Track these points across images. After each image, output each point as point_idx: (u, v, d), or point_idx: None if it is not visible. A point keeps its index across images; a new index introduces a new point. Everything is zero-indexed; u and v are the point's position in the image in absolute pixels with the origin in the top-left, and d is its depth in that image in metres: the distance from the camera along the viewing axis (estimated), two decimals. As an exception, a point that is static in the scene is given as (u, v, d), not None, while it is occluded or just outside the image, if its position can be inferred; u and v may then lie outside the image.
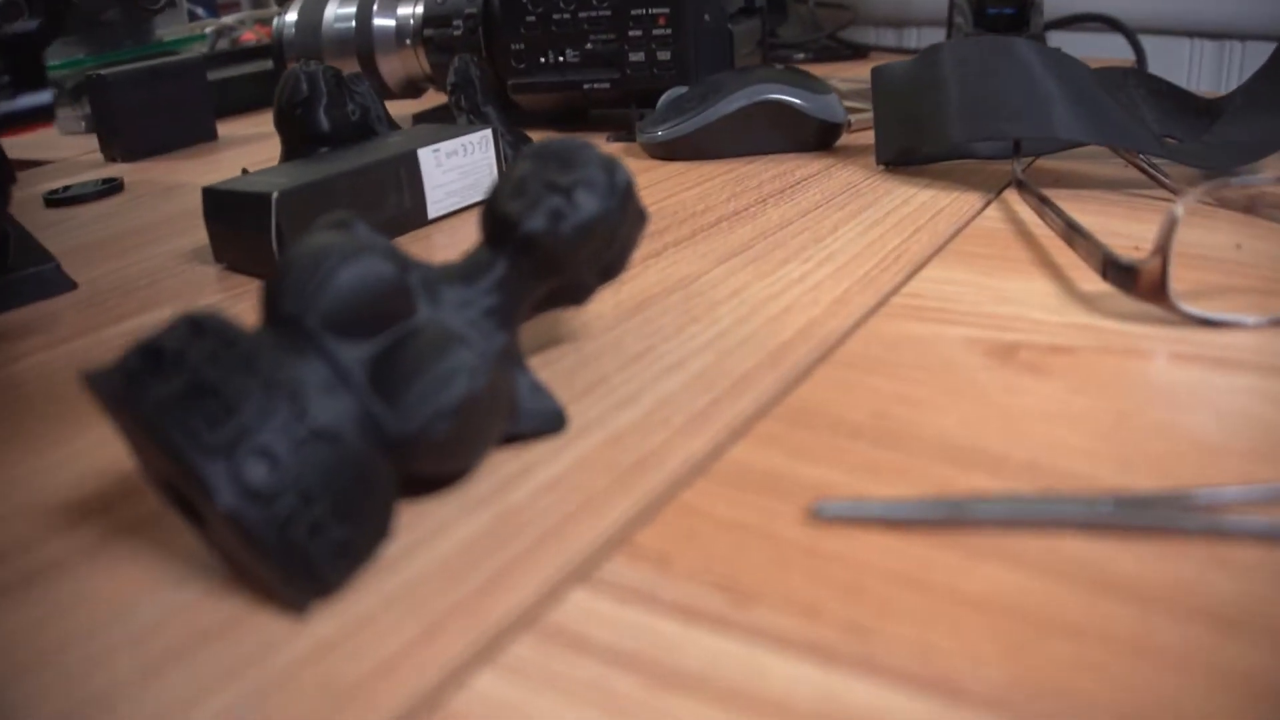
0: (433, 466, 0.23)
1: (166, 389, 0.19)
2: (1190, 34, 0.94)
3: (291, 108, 0.45)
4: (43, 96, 0.29)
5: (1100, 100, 0.44)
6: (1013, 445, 0.25)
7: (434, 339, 0.23)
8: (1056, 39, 0.84)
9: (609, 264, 0.28)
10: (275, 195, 0.38)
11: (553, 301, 0.28)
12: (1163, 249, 0.30)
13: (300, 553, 0.19)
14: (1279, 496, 0.22)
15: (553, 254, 0.26)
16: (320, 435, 0.20)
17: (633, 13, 0.56)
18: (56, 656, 0.19)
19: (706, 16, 0.57)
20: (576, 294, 0.28)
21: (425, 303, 0.24)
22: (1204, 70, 0.94)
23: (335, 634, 0.19)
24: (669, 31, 0.56)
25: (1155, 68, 0.87)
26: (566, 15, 0.57)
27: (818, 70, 0.83)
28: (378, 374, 0.22)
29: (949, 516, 0.22)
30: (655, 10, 0.56)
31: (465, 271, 0.26)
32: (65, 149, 0.75)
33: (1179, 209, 0.30)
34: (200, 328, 0.21)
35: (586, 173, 0.26)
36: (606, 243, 0.27)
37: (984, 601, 0.19)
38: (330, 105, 0.45)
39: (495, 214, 0.26)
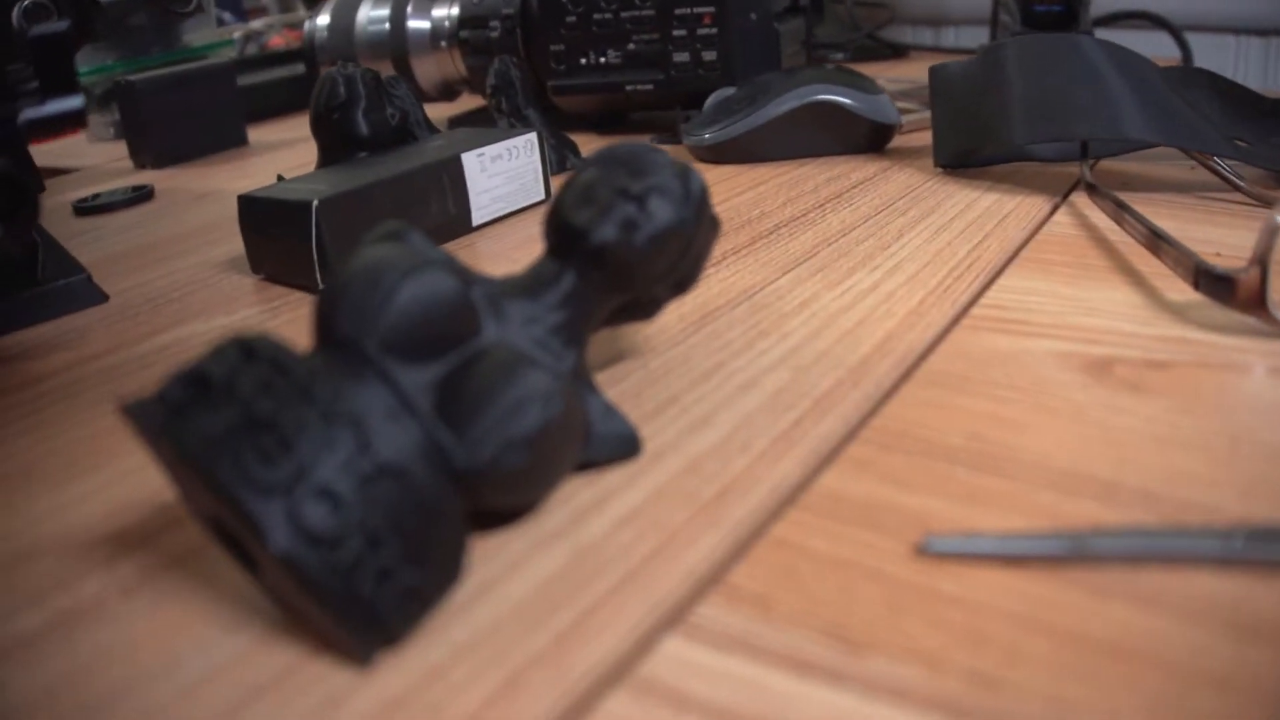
0: (504, 499, 0.21)
1: (215, 422, 0.18)
2: (1236, 31, 0.91)
3: (329, 111, 0.43)
4: (73, 101, 0.27)
5: (1169, 100, 0.42)
6: (1123, 471, 0.23)
7: (503, 361, 0.21)
8: (1102, 36, 0.81)
9: (682, 276, 0.26)
10: (316, 203, 0.36)
11: (621, 316, 0.26)
12: (1262, 259, 0.28)
13: (366, 602, 0.17)
14: None
15: (625, 266, 0.24)
16: (387, 470, 0.18)
17: (676, 12, 0.54)
18: (101, 713, 0.18)
19: (752, 15, 0.55)
20: (647, 308, 0.26)
21: (490, 320, 0.23)
22: (1250, 68, 0.92)
23: (404, 689, 0.18)
24: (714, 31, 0.54)
25: (1201, 65, 0.85)
26: (608, 15, 0.55)
27: (858, 68, 0.81)
28: (444, 400, 0.20)
29: (1069, 551, 0.20)
30: (700, 9, 0.54)
31: (530, 285, 0.24)
32: (94, 156, 0.74)
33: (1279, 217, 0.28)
34: (251, 352, 0.19)
35: (660, 179, 0.25)
36: (681, 254, 0.25)
37: (1117, 647, 0.18)
38: (369, 109, 0.43)
39: (561, 223, 0.24)
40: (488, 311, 0.23)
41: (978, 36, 0.90)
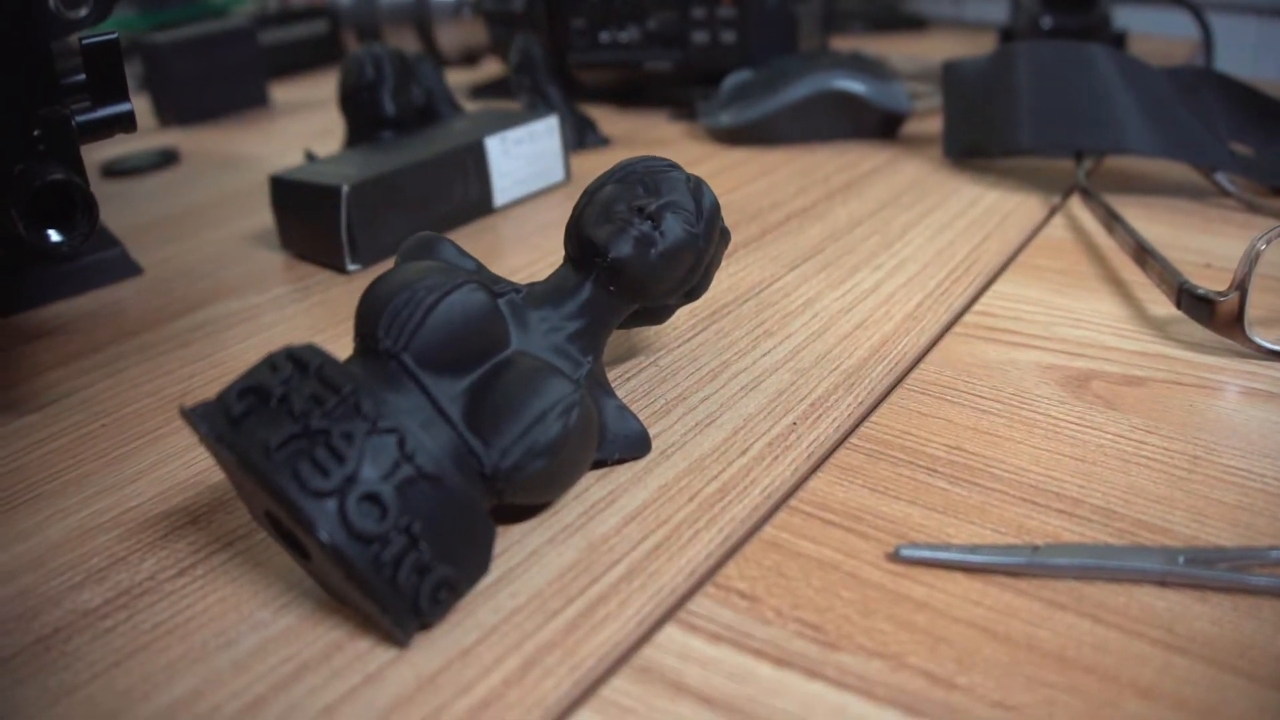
0: (526, 498, 0.23)
1: (273, 434, 0.20)
2: (1259, 12, 0.91)
3: (357, 91, 0.45)
4: (124, 106, 0.29)
5: (1175, 112, 0.43)
6: (1088, 488, 0.25)
7: (527, 372, 0.23)
8: (1123, 14, 0.81)
9: (694, 287, 0.28)
10: (347, 188, 0.38)
11: (635, 320, 0.28)
12: (1242, 284, 0.30)
13: (406, 593, 0.20)
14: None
15: (640, 279, 0.26)
16: (426, 477, 0.20)
17: (696, -8, 0.55)
18: (163, 685, 0.20)
19: (771, -3, 0.56)
20: (660, 314, 0.28)
21: (515, 329, 0.25)
22: (1272, 50, 0.91)
23: (437, 668, 0.20)
24: (734, 12, 0.55)
25: (1221, 46, 0.84)
26: (629, -8, 0.56)
27: (876, 41, 0.82)
28: (473, 407, 0.22)
29: (1027, 564, 0.22)
30: (719, -10, 0.55)
31: (551, 294, 0.26)
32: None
33: (1262, 243, 0.30)
34: (302, 366, 0.21)
35: (674, 197, 0.26)
36: (693, 267, 0.27)
37: (1061, 656, 0.20)
38: (395, 89, 0.45)
39: (581, 238, 0.26)
40: (512, 320, 0.25)
41: (999, 10, 0.90)
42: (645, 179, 0.27)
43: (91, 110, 0.29)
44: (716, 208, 0.27)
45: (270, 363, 0.21)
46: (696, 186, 0.27)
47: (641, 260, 0.26)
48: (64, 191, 0.26)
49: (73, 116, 0.28)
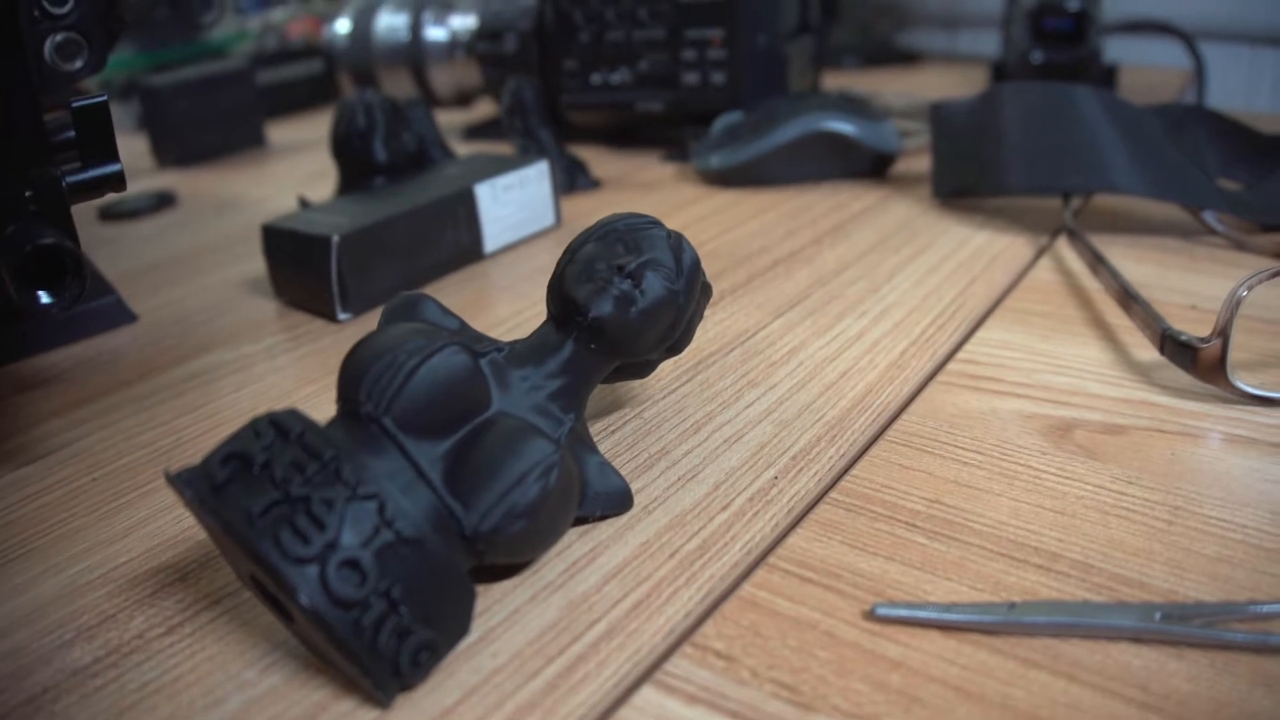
0: (506, 559, 0.24)
1: (256, 501, 0.20)
2: (1251, 40, 0.92)
3: (349, 139, 0.45)
4: (114, 167, 0.29)
5: (1163, 151, 0.44)
6: (1066, 541, 0.25)
7: (506, 434, 0.23)
8: (1114, 46, 0.82)
9: (675, 342, 0.28)
10: (336, 239, 0.38)
11: (618, 375, 0.29)
12: (1224, 330, 0.30)
13: (387, 656, 0.20)
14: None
15: (620, 338, 0.26)
16: (405, 542, 0.20)
17: (687, 34, 0.56)
18: (154, 744, 0.20)
19: (761, 38, 0.56)
20: (642, 370, 0.29)
21: (496, 389, 0.25)
22: (1264, 77, 0.92)
23: (417, 731, 0.20)
24: (724, 54, 0.56)
25: (1214, 76, 0.85)
26: (620, 35, 0.57)
27: (869, 76, 0.82)
28: (453, 470, 0.23)
29: (1003, 622, 0.23)
30: (710, 32, 0.56)
31: (533, 353, 0.26)
32: (120, 147, 0.76)
33: (1243, 290, 0.30)
34: (284, 432, 0.21)
35: (654, 254, 0.27)
36: (674, 324, 0.27)
37: (1035, 715, 0.20)
38: (387, 136, 0.45)
39: (562, 296, 0.27)
40: (494, 380, 0.25)
41: (991, 43, 0.90)
42: (626, 237, 0.27)
43: (81, 170, 0.29)
44: (697, 263, 0.28)
45: (253, 428, 0.22)
46: (677, 243, 0.27)
47: (622, 319, 0.26)
48: (55, 255, 0.26)
49: (64, 177, 0.28)
